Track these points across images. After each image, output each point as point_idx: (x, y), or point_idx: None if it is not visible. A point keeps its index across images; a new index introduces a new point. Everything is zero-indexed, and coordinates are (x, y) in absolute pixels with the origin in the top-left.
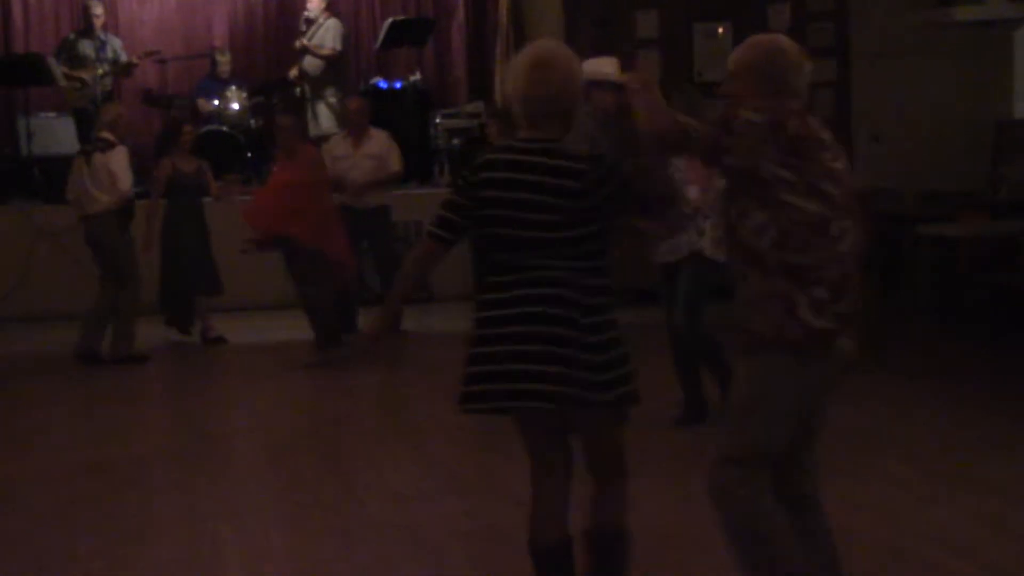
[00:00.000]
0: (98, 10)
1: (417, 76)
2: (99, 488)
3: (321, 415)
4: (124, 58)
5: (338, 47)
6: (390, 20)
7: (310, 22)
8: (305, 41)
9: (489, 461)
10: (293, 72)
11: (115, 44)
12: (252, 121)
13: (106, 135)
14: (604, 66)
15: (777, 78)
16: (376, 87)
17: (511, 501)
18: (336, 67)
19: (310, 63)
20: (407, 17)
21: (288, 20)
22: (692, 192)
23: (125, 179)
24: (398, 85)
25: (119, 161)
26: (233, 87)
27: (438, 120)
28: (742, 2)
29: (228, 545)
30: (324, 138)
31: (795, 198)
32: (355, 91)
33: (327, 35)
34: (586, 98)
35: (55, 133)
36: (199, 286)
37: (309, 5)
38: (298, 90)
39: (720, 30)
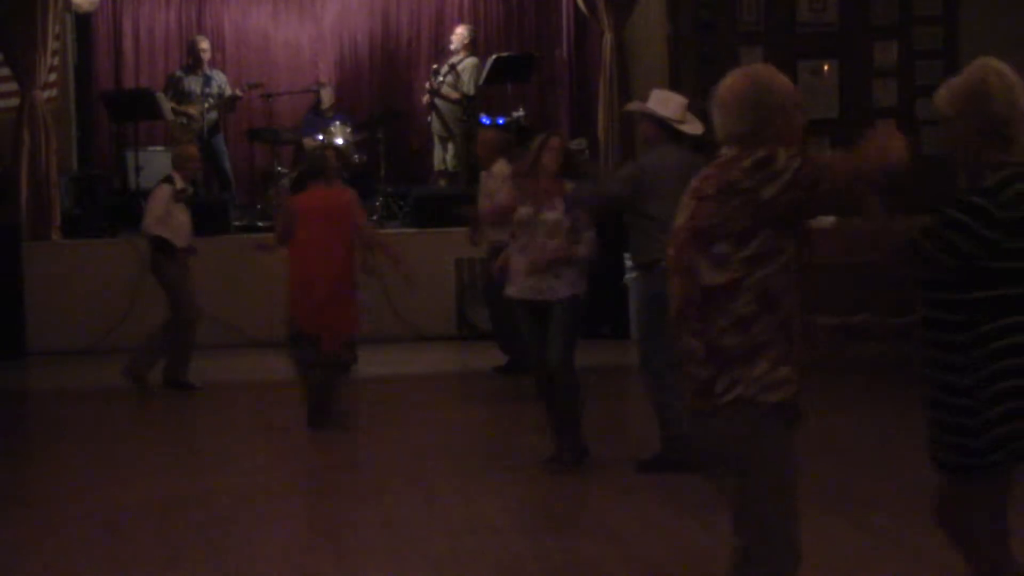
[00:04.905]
0: (204, 45)
1: (520, 112)
2: (200, 519)
3: (414, 449)
4: (228, 92)
5: (471, 92)
6: (494, 56)
7: (448, 53)
8: (435, 84)
9: (584, 495)
10: (425, 99)
11: (220, 79)
12: (356, 156)
13: (172, 172)
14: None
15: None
16: (479, 123)
17: (606, 537)
18: (466, 108)
19: (439, 100)
20: (511, 53)
21: (394, 58)
22: None
23: (149, 217)
24: (501, 121)
25: (152, 198)
26: (337, 122)
27: None
28: (848, 39)
29: None
30: (443, 172)
31: None
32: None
33: (461, 77)
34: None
35: (162, 167)
36: None
37: (453, 36)
38: (429, 120)
39: (825, 67)
